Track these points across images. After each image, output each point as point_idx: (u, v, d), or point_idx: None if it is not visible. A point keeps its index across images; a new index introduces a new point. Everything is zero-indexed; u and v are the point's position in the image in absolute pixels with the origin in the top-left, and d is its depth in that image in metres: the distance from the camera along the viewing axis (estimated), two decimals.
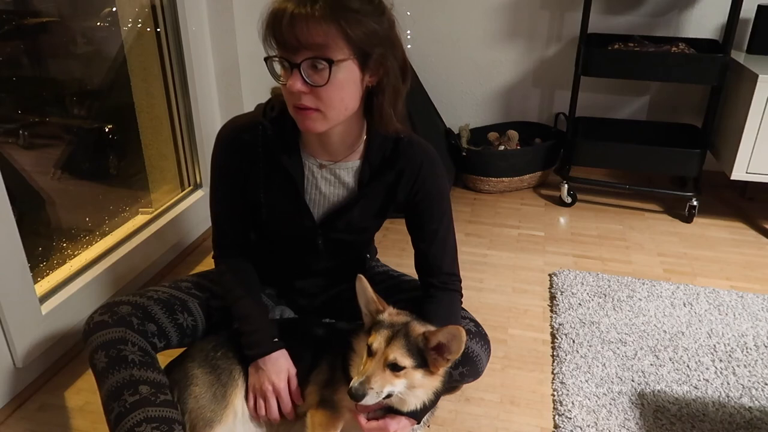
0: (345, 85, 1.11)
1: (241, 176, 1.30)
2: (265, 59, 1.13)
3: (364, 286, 1.22)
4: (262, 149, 1.27)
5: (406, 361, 1.12)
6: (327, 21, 1.05)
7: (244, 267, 1.39)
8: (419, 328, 1.18)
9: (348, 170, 1.30)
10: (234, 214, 1.36)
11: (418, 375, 1.15)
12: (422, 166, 1.30)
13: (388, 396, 1.14)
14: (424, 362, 1.15)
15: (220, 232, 1.40)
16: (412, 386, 1.16)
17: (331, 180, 1.30)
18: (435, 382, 1.19)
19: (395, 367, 1.12)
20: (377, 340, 1.14)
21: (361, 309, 1.25)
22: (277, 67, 1.13)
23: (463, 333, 1.11)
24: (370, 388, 1.10)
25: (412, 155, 1.29)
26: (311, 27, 1.04)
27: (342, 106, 1.14)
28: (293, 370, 1.28)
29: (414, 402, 1.19)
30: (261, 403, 1.25)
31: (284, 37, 1.06)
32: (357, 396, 1.09)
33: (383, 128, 1.23)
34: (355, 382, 1.10)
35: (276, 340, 1.28)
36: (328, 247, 1.38)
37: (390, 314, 1.21)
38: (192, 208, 2.26)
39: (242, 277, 1.36)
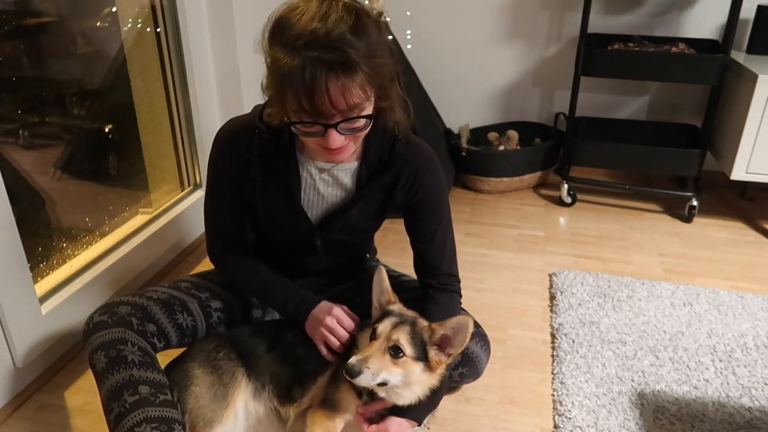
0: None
1: (238, 177, 1.30)
2: (291, 124, 1.11)
3: (382, 276, 1.26)
4: (258, 152, 1.27)
5: (407, 347, 1.14)
6: (362, 84, 1.05)
7: (245, 257, 1.39)
8: (426, 322, 1.21)
9: (346, 172, 1.30)
10: (232, 215, 1.36)
11: (417, 368, 1.16)
12: (420, 167, 1.30)
13: (383, 384, 1.15)
14: (424, 357, 1.17)
15: (217, 233, 1.40)
16: (408, 380, 1.17)
17: (329, 181, 1.30)
18: (432, 379, 1.20)
19: (396, 351, 1.14)
20: (383, 324, 1.18)
21: (373, 301, 1.28)
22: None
23: (471, 323, 1.14)
24: (367, 367, 1.12)
25: (409, 157, 1.29)
26: (348, 94, 1.04)
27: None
28: (337, 307, 1.31)
29: (409, 397, 1.20)
30: (330, 338, 1.27)
31: (319, 108, 1.04)
32: (352, 372, 1.11)
33: (393, 132, 1.27)
34: (353, 359, 1.13)
35: (311, 294, 1.32)
36: (326, 248, 1.38)
37: (400, 308, 1.24)
38: (192, 208, 2.26)
39: (247, 263, 1.38)
